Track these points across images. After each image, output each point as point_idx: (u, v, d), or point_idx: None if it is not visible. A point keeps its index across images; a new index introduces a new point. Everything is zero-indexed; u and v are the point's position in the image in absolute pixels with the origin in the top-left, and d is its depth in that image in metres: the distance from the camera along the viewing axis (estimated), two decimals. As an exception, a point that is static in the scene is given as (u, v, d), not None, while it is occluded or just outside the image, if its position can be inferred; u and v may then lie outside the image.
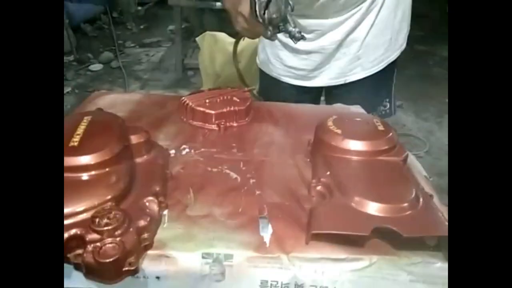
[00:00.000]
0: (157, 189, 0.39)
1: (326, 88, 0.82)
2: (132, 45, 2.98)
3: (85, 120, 0.41)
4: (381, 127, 0.47)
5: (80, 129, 0.40)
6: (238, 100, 0.60)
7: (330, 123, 0.48)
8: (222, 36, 1.66)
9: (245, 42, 0.81)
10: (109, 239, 0.31)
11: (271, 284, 0.34)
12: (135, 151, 0.43)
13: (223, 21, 2.23)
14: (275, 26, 0.54)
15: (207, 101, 0.59)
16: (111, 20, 3.02)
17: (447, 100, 2.22)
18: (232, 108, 0.58)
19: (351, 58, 0.75)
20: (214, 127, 0.57)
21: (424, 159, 1.64)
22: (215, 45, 1.67)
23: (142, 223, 0.34)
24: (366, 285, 0.34)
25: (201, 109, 0.57)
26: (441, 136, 1.87)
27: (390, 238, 0.37)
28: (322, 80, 0.78)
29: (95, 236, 0.31)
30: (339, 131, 0.46)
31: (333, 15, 0.71)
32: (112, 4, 3.25)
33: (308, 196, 0.43)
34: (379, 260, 0.35)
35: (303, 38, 0.54)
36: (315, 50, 0.75)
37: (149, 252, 0.34)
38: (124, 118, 0.48)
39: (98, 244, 0.31)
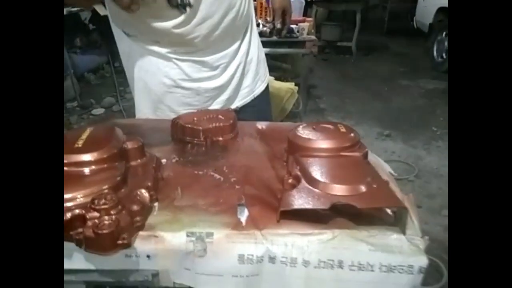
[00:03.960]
0: (149, 184, 0.45)
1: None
2: (132, 90, 3.15)
3: (88, 130, 0.49)
4: (343, 129, 0.54)
5: (84, 135, 0.47)
6: (223, 118, 0.67)
7: (299, 128, 0.55)
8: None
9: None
10: (106, 217, 0.37)
11: (247, 257, 0.39)
12: (130, 155, 0.50)
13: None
14: None
15: (195, 119, 0.66)
16: (113, 69, 3.23)
17: (434, 129, 2.32)
18: (217, 124, 0.65)
19: (253, 75, 0.85)
20: (202, 141, 0.64)
21: (414, 183, 1.69)
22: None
23: (134, 207, 0.40)
24: (330, 255, 0.39)
25: (190, 126, 0.65)
26: (430, 161, 1.94)
27: (351, 216, 0.42)
28: (235, 103, 0.85)
29: (94, 214, 0.37)
30: (306, 135, 0.53)
31: (231, 43, 0.79)
32: (114, 54, 3.49)
33: (282, 188, 0.48)
34: (341, 233, 0.40)
35: (189, 4, 0.53)
36: (227, 82, 0.81)
37: (141, 233, 0.40)
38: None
39: (97, 220, 0.36)
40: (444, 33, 3.76)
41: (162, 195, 0.47)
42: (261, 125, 0.73)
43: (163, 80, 0.77)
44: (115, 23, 0.76)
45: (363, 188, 0.42)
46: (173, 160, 0.57)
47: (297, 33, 2.17)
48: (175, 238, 0.40)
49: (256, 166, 0.56)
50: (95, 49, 3.30)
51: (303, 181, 0.45)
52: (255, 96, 0.87)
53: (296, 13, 2.51)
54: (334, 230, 0.40)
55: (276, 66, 2.57)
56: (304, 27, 2.17)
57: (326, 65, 4.07)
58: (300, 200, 0.41)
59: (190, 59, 0.76)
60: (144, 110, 0.82)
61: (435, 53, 3.89)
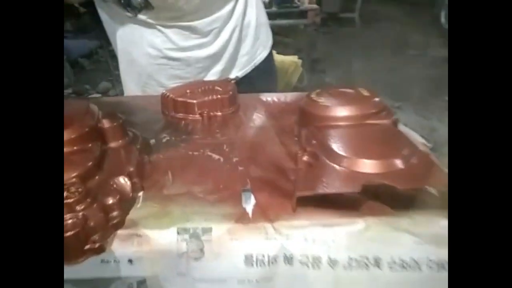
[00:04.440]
0: (131, 169, 0.36)
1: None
2: (129, 74, 3.03)
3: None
4: (365, 93, 0.44)
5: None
6: (220, 89, 0.58)
7: (313, 95, 0.46)
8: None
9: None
10: (69, 214, 0.28)
11: (256, 258, 0.30)
12: (108, 135, 0.40)
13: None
14: None
15: (188, 91, 0.57)
16: (108, 53, 3.09)
17: (446, 98, 2.20)
18: (215, 97, 0.56)
19: (253, 40, 0.74)
20: (197, 117, 0.55)
21: (429, 156, 1.60)
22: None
23: (110, 200, 0.31)
24: (364, 251, 0.30)
25: (183, 99, 0.55)
26: (445, 133, 1.83)
27: (386, 199, 0.33)
28: (233, 73, 0.74)
29: (53, 212, 0.28)
30: (322, 100, 0.44)
31: (224, 4, 0.67)
32: (108, 38, 3.34)
33: (295, 167, 0.39)
34: (376, 222, 0.31)
35: (148, 6, 0.44)
36: (221, 49, 0.70)
37: (119, 232, 0.31)
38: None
39: (57, 220, 0.28)
40: (452, -2, 3.55)
41: (148, 182, 0.38)
42: (266, 96, 0.63)
43: (148, 51, 0.67)
44: None
45: (399, 164, 0.33)
46: (163, 140, 0.48)
47: (298, 3, 2.02)
48: (164, 237, 0.31)
49: (262, 143, 0.47)
50: (87, 33, 3.15)
51: (322, 158, 0.36)
52: (256, 64, 0.76)
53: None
54: (367, 218, 0.32)
55: (277, 40, 2.43)
56: (305, -5, 2.02)
57: (329, 38, 3.90)
58: (321, 182, 0.32)
59: (176, 24, 0.65)
60: (130, 86, 0.72)
61: (442, 19, 3.69)
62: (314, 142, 0.39)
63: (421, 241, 0.30)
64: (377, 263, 0.30)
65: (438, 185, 0.33)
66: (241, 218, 0.32)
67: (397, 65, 2.85)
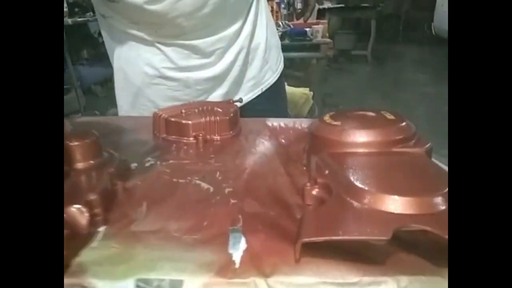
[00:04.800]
0: (92, 197, 0.29)
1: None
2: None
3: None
4: (390, 117, 0.37)
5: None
6: (220, 111, 0.51)
7: (326, 117, 0.39)
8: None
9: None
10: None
11: (242, 329, 0.22)
12: (76, 154, 0.34)
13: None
14: None
15: (183, 111, 0.50)
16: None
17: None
18: (213, 119, 0.49)
19: (260, 64, 0.68)
20: (191, 140, 0.48)
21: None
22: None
23: (52, 236, 0.24)
24: (396, 326, 0.21)
25: (176, 120, 0.49)
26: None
27: (425, 251, 0.25)
28: (238, 96, 0.68)
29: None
30: (338, 123, 0.36)
31: (230, 23, 0.63)
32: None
33: (302, 203, 0.31)
34: (412, 282, 0.23)
35: None
36: (224, 72, 0.65)
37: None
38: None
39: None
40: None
41: (116, 214, 0.30)
42: (272, 121, 0.56)
43: (144, 69, 0.62)
44: (94, 3, 0.63)
45: (441, 203, 0.25)
46: (147, 164, 0.41)
47: (311, 36, 2.02)
48: (118, 291, 0.23)
49: (263, 172, 0.39)
50: (102, 61, 3.24)
51: (338, 192, 0.27)
52: (264, 90, 0.70)
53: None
54: (399, 276, 0.23)
55: (288, 74, 2.43)
56: (318, 30, 2.02)
57: (341, 74, 3.92)
58: (335, 224, 0.24)
59: (176, 43, 0.60)
60: (124, 106, 0.67)
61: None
62: (327, 172, 0.31)
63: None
64: None
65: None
66: (225, 268, 0.24)
67: (410, 103, 2.80)
